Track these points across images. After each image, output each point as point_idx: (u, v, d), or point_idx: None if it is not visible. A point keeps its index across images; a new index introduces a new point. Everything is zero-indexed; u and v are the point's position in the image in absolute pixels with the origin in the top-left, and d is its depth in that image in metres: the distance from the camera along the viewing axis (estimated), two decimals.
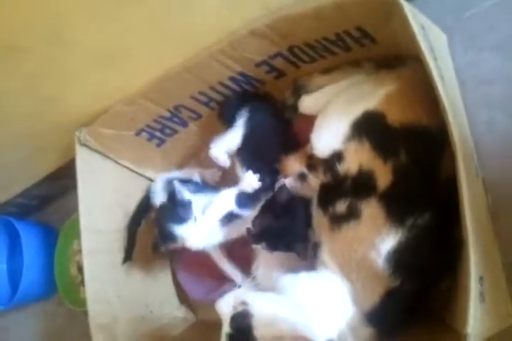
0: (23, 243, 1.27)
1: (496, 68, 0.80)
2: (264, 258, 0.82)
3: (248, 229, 0.80)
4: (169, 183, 0.93)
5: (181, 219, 0.84)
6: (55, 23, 0.70)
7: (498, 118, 0.78)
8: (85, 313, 1.05)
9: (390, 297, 0.63)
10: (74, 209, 1.12)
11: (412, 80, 0.70)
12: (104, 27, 0.74)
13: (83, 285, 1.05)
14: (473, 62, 0.81)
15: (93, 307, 0.88)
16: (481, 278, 0.54)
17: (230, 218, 0.87)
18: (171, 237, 0.85)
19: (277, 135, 0.90)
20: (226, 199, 0.88)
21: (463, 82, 0.80)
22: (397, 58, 0.76)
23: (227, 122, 0.92)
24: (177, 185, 0.86)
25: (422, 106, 0.67)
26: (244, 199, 0.88)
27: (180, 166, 1.07)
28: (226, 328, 0.64)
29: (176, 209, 0.85)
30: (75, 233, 1.11)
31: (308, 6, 0.71)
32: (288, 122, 0.92)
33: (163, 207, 0.90)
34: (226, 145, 0.89)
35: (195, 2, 0.74)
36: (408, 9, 0.61)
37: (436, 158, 0.64)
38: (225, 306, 0.66)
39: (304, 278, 0.71)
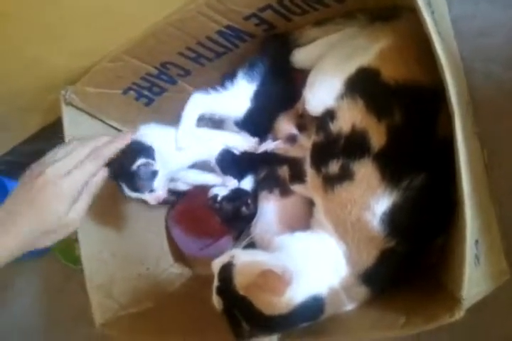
0: None
1: (492, 19, 0.77)
2: (264, 221, 0.83)
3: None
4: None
5: (137, 189, 0.78)
6: None
7: (495, 70, 0.77)
8: (81, 270, 1.09)
9: (384, 258, 0.64)
10: None
11: (407, 34, 0.67)
12: None
13: (77, 243, 1.07)
14: (470, 13, 0.78)
15: (88, 267, 0.89)
16: (476, 242, 0.54)
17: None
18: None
19: (281, 93, 0.86)
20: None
21: (459, 34, 0.77)
22: (392, 9, 0.72)
23: None
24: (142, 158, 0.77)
25: (418, 61, 0.64)
26: (227, 159, 0.87)
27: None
28: (215, 282, 0.65)
29: (134, 179, 0.78)
30: None
31: None
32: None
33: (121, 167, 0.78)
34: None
35: None
36: None
37: (432, 116, 0.63)
38: (218, 264, 0.67)
39: (299, 237, 0.71)
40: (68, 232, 0.71)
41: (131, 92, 0.96)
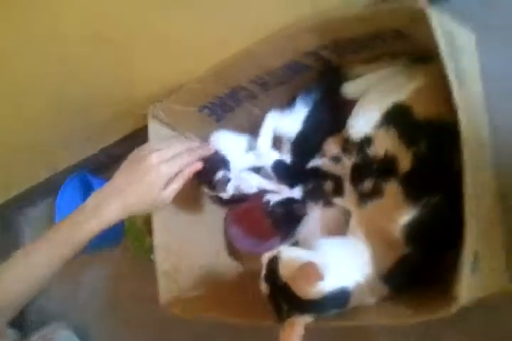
0: None
1: None
2: (308, 227, 0.98)
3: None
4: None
5: (213, 190, 1.00)
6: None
7: None
8: (148, 260, 1.23)
9: (402, 262, 0.77)
10: None
11: (439, 77, 0.78)
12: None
13: (149, 236, 1.24)
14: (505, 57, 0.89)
15: (159, 255, 1.04)
16: (476, 252, 0.66)
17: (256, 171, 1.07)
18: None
19: (328, 118, 1.01)
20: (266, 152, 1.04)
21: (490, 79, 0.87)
22: (428, 54, 0.84)
23: None
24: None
25: (445, 102, 0.74)
26: (280, 168, 1.03)
27: None
28: (264, 271, 0.82)
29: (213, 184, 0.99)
30: None
31: (352, 11, 0.82)
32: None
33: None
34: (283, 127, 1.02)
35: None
36: (434, 17, 0.69)
37: (452, 150, 0.72)
38: (267, 257, 0.83)
39: (334, 240, 0.86)
40: (160, 206, 0.91)
41: (206, 110, 1.13)
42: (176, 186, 0.90)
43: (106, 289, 1.65)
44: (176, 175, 0.90)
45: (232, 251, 1.22)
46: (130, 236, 1.47)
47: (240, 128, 1.17)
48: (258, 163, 1.06)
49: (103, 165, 1.60)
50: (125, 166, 0.91)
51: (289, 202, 1.00)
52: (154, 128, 1.11)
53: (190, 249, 1.12)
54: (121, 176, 0.90)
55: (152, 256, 1.25)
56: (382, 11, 0.77)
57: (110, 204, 0.86)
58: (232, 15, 0.91)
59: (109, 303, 1.64)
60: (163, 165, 0.87)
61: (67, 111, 1.17)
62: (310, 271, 0.73)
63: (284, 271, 0.78)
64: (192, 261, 1.12)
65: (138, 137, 1.31)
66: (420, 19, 0.71)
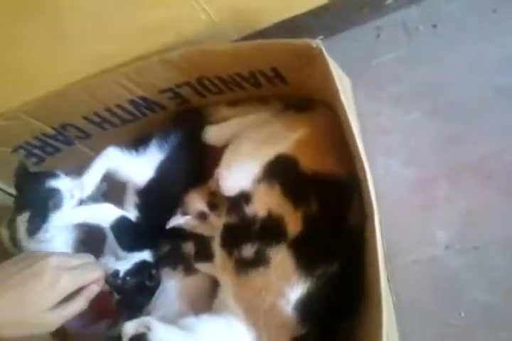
0: None
1: (393, 119, 0.85)
2: (165, 298, 0.80)
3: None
4: None
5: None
6: None
7: (393, 166, 0.84)
8: None
9: None
10: None
11: (324, 127, 0.72)
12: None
13: None
14: (374, 111, 0.85)
15: None
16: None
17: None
18: None
19: (190, 166, 0.86)
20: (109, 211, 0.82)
21: (364, 130, 0.82)
22: (306, 101, 0.77)
23: None
24: None
25: (333, 154, 0.69)
26: (123, 227, 0.82)
27: None
28: None
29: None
30: None
31: (228, 44, 0.69)
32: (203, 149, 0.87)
33: None
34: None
35: (108, 24, 0.69)
36: (329, 59, 0.62)
37: (346, 207, 0.66)
38: (130, 327, 0.63)
39: (206, 320, 0.69)
40: (39, 331, 0.62)
41: (21, 151, 0.89)
42: (71, 310, 0.63)
43: None
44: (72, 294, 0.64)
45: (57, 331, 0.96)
46: None
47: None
48: (91, 220, 0.81)
49: None
50: (9, 264, 0.63)
51: (141, 267, 0.79)
52: None
53: None
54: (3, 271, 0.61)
55: None
56: (269, 45, 0.66)
57: None
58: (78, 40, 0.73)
59: None
60: (64, 273, 0.62)
61: None
62: None
63: None
64: None
65: None
66: (310, 58, 0.63)
